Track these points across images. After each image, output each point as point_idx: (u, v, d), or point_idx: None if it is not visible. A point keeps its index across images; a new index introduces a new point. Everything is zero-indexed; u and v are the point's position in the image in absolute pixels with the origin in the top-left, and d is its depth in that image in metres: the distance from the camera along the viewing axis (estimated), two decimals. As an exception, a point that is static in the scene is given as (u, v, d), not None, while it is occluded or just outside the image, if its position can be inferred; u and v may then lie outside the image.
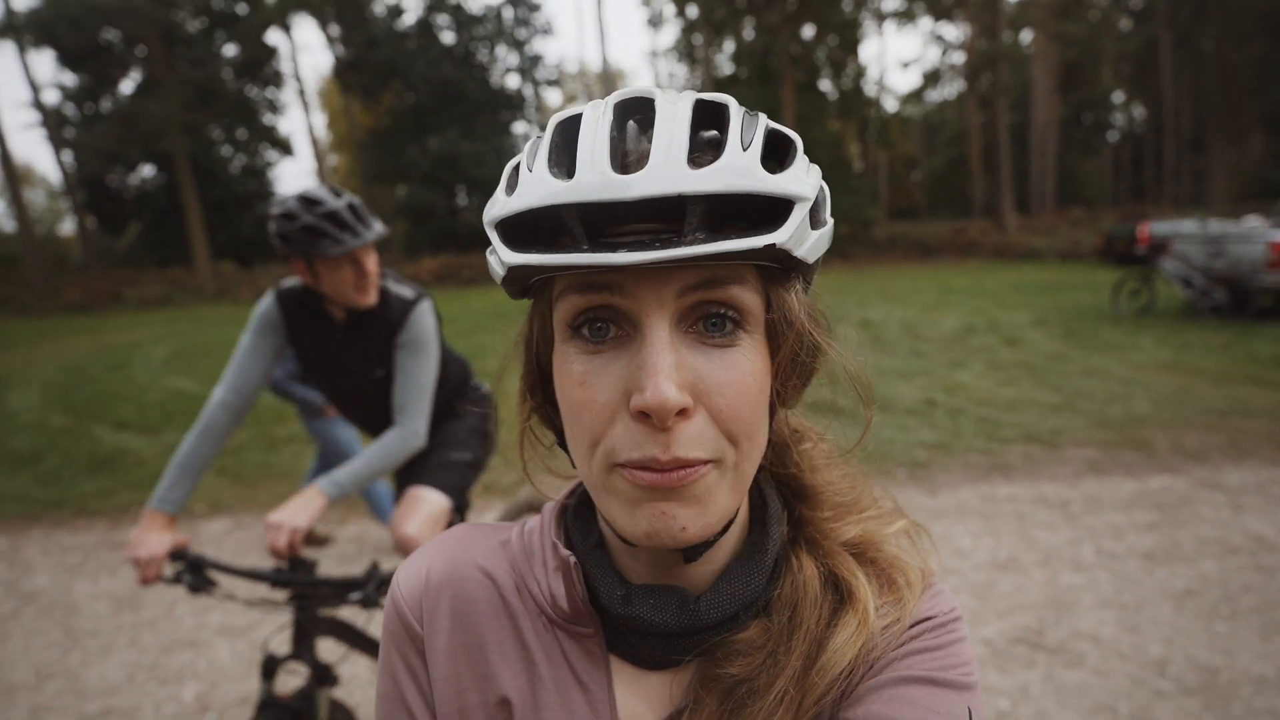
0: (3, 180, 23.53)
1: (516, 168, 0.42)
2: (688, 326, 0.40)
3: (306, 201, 1.52)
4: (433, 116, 26.14)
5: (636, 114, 0.40)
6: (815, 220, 0.42)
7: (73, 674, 2.63)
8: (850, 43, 24.75)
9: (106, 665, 2.68)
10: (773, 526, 0.48)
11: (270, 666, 1.44)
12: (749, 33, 23.19)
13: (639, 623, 0.45)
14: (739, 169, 0.37)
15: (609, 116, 0.39)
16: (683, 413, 0.38)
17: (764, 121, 0.41)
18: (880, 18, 26.48)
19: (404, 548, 1.58)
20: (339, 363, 1.71)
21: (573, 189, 0.37)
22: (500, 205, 0.40)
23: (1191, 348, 6.69)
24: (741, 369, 0.40)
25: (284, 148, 29.15)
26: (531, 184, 0.39)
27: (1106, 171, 34.93)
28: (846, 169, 25.62)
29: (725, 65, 25.35)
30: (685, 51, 26.41)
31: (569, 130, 0.40)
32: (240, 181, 27.85)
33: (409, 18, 27.19)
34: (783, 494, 0.52)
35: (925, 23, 26.01)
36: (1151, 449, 4.31)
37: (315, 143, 23.95)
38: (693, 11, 23.94)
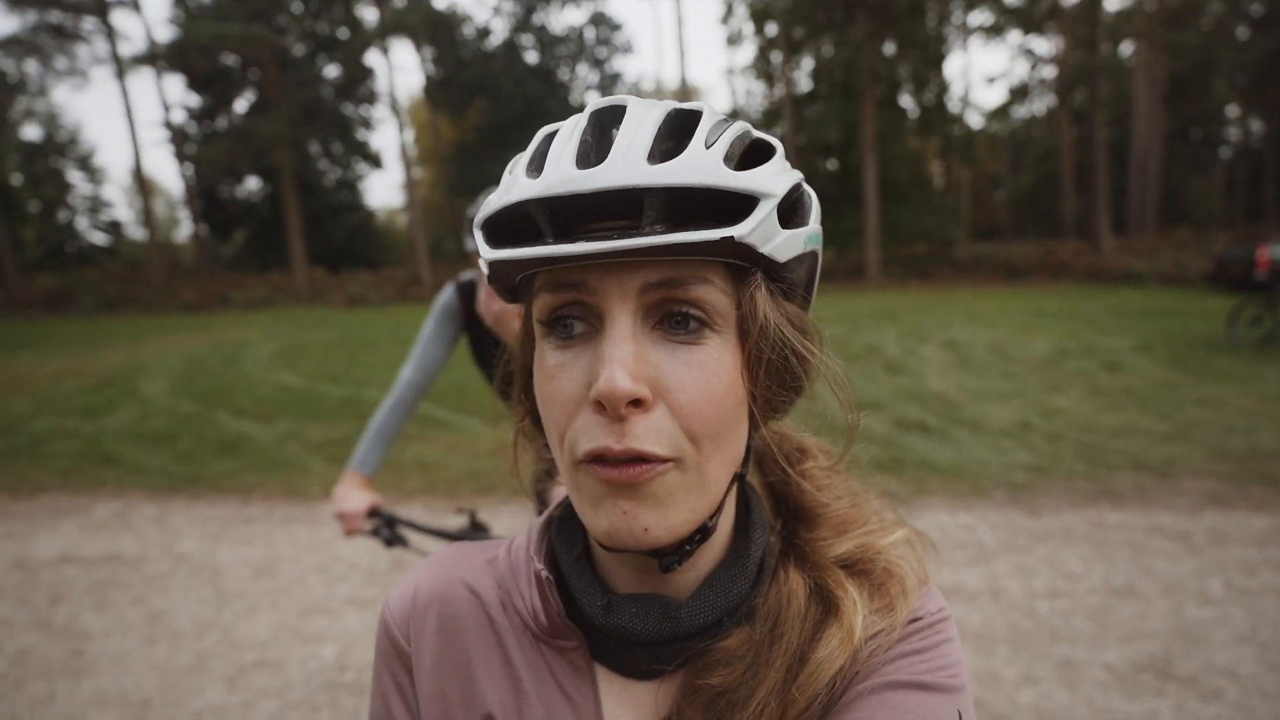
0: (134, 191, 26.03)
1: (509, 171, 0.44)
2: (654, 324, 0.40)
3: None
4: (515, 132, 27.24)
5: (611, 120, 0.41)
6: (788, 220, 0.42)
7: (226, 628, 2.93)
8: (934, 59, 24.14)
9: (254, 623, 2.97)
10: (756, 533, 0.48)
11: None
12: (828, 49, 23.02)
13: (621, 632, 0.45)
14: (699, 165, 0.38)
15: (584, 123, 0.41)
16: (640, 405, 0.38)
17: (740, 127, 0.42)
18: (966, 33, 25.71)
19: None
20: (506, 349, 1.88)
21: (537, 185, 0.39)
22: (485, 208, 0.42)
23: (1325, 380, 6.15)
24: (705, 367, 0.40)
25: (375, 161, 31.00)
26: (509, 185, 0.41)
27: (1217, 190, 32.38)
28: (928, 187, 24.89)
29: (804, 82, 25.22)
30: (763, 70, 26.43)
31: (548, 139, 0.42)
32: (334, 193, 29.80)
33: (496, 38, 28.52)
34: (777, 507, 0.51)
35: (1013, 36, 25.02)
36: (1283, 484, 4.01)
37: (405, 157, 25.37)
38: (771, 29, 24.00)
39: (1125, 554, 3.26)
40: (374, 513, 1.56)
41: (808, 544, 0.48)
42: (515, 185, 0.40)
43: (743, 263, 0.41)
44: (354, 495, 1.55)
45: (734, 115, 0.45)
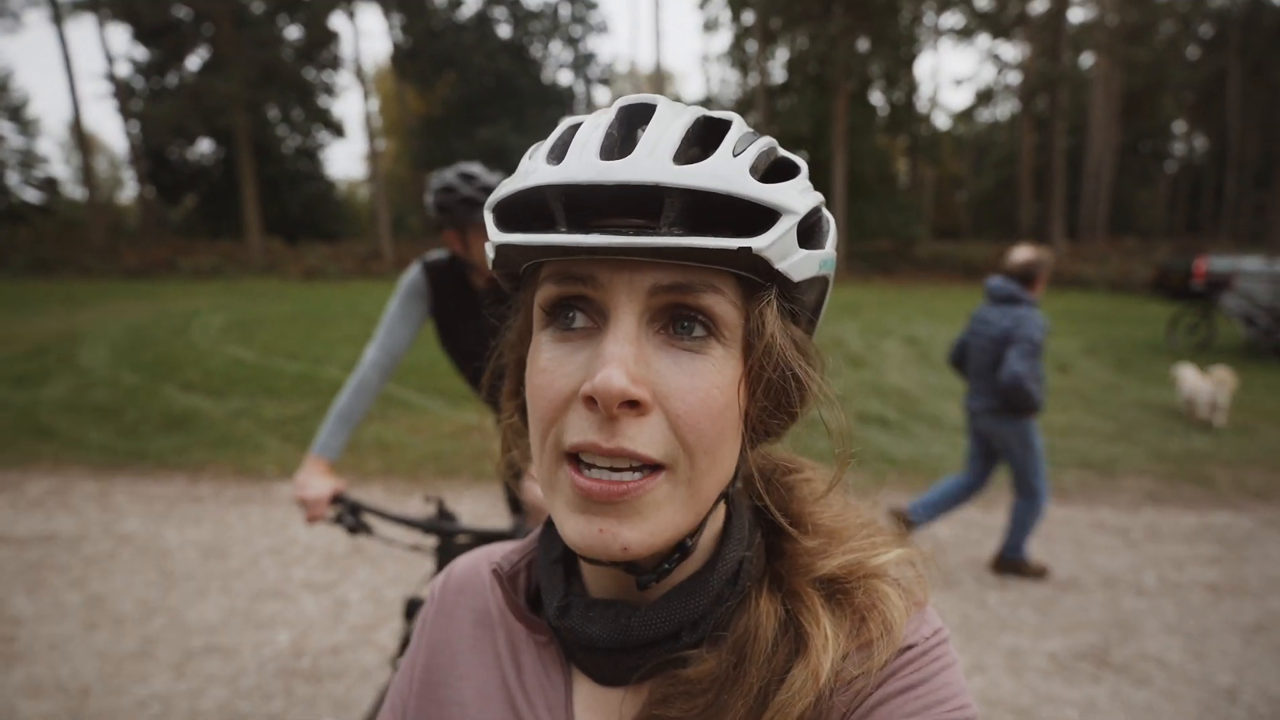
0: (72, 147, 24.50)
1: (529, 156, 0.43)
2: (659, 327, 0.39)
3: (465, 176, 1.66)
4: (484, 108, 26.57)
5: (639, 117, 0.41)
6: (807, 240, 0.41)
7: (174, 611, 2.82)
8: (905, 57, 24.49)
9: (203, 607, 2.86)
10: (730, 548, 0.45)
11: (412, 608, 1.56)
12: (803, 41, 23.11)
13: (574, 634, 0.45)
14: (723, 172, 0.37)
15: (610, 117, 0.41)
16: (635, 407, 0.37)
17: (767, 142, 0.41)
18: (937, 34, 26.14)
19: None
20: (476, 330, 1.83)
21: (558, 172, 0.38)
22: (499, 191, 0.42)
23: (1254, 387, 6.53)
24: (707, 378, 0.39)
25: (337, 130, 29.85)
26: (527, 171, 0.40)
27: (1162, 202, 33.96)
28: (893, 184, 25.35)
29: (778, 73, 25.28)
30: (738, 58, 26.38)
31: (573, 128, 0.42)
32: (292, 161, 28.60)
33: (468, 10, 27.67)
34: (760, 522, 0.49)
35: (983, 41, 25.57)
36: (1213, 484, 4.25)
37: (369, 127, 24.50)
38: (748, 18, 23.93)
39: (1069, 548, 3.42)
40: (337, 499, 1.51)
41: (791, 557, 0.46)
42: (535, 171, 0.39)
43: (756, 277, 0.40)
44: (316, 481, 1.50)
45: (706, 102, 0.43)
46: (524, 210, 0.41)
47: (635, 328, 0.38)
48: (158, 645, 2.58)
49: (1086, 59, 23.92)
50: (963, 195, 38.29)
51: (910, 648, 0.42)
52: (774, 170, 0.42)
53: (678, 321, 0.39)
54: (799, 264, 0.40)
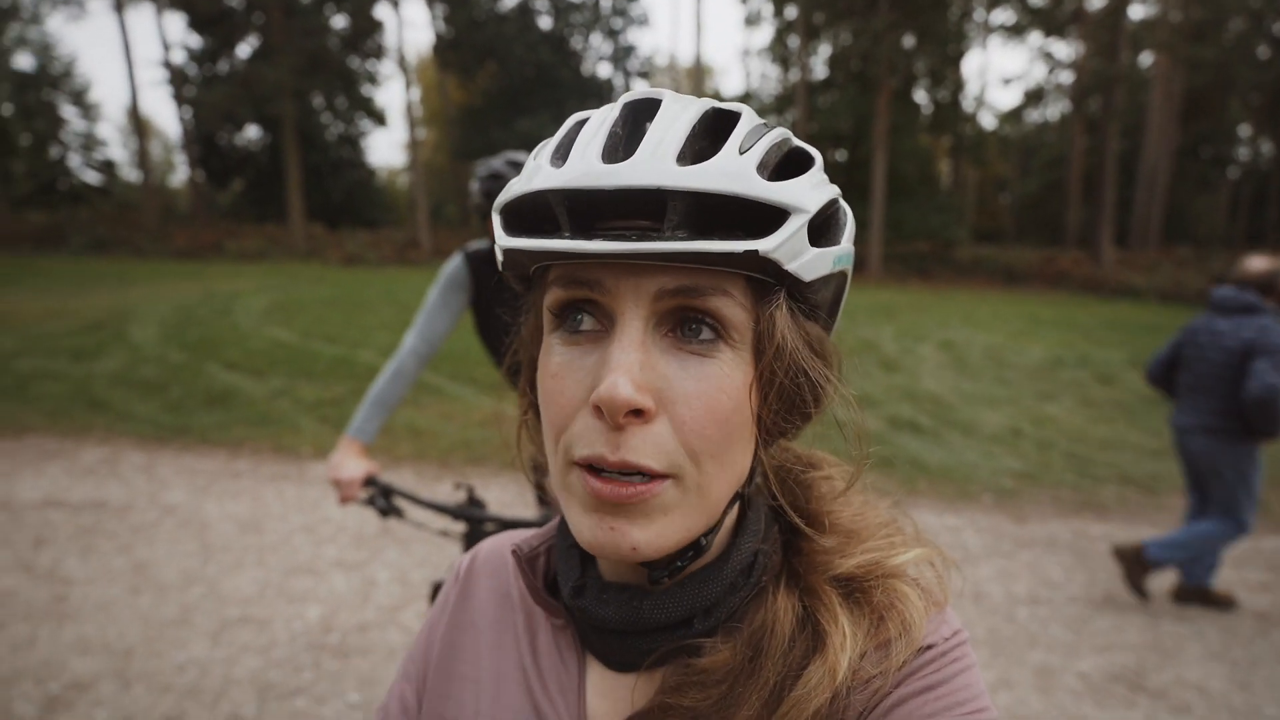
0: (130, 131, 25.42)
1: (534, 157, 0.43)
2: (666, 330, 0.39)
3: (513, 164, 1.69)
4: (524, 98, 26.75)
5: (644, 113, 0.40)
6: (819, 237, 0.40)
7: (212, 582, 2.93)
8: (953, 55, 23.83)
9: (239, 579, 2.96)
10: (745, 540, 0.45)
11: (438, 592, 1.59)
12: (847, 37, 22.66)
13: (586, 615, 0.45)
14: (729, 171, 0.36)
15: (615, 114, 0.40)
16: (641, 415, 0.37)
17: (779, 134, 0.40)
18: (987, 30, 25.36)
19: None
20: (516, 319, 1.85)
21: (560, 175, 0.38)
22: (504, 194, 0.42)
23: (1312, 407, 6.21)
24: (714, 382, 0.38)
25: (379, 119, 30.41)
26: (532, 172, 0.40)
27: (1221, 209, 32.45)
28: (934, 185, 24.74)
29: (819, 69, 24.86)
30: (779, 53, 26.01)
31: (577, 126, 0.41)
32: (335, 148, 29.25)
33: (510, 1, 27.87)
34: (778, 519, 0.49)
35: (1035, 38, 24.73)
36: (1265, 508, 4.05)
37: (410, 116, 24.90)
38: (791, 12, 23.56)
39: (1106, 566, 3.31)
40: (370, 481, 1.54)
41: (808, 555, 0.46)
42: (538, 173, 0.39)
43: (766, 278, 0.39)
44: (351, 463, 1.54)
45: (746, 98, 0.42)
46: (530, 213, 0.40)
47: (641, 332, 0.38)
48: (196, 613, 2.69)
49: (1145, 58, 22.96)
50: (1007, 198, 37.20)
51: (929, 648, 0.42)
52: (787, 164, 0.41)
53: (685, 324, 0.39)
54: (810, 263, 0.39)
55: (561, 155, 0.40)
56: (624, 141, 0.38)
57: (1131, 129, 25.47)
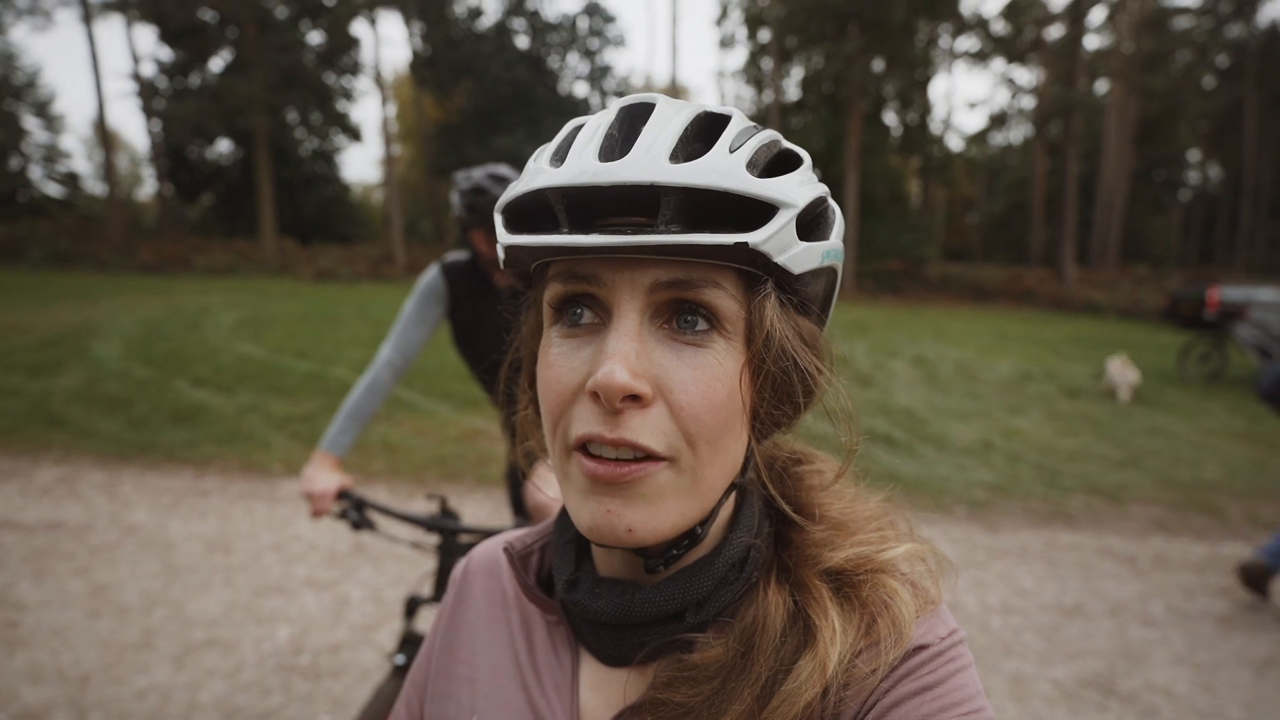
0: (95, 143, 24.84)
1: (533, 160, 0.44)
2: (661, 322, 0.40)
3: (495, 178, 1.69)
4: (501, 117, 26.85)
5: (639, 116, 0.41)
6: (808, 232, 0.42)
7: (176, 604, 2.83)
8: (920, 79, 24.61)
9: (205, 600, 2.87)
10: (738, 534, 0.46)
11: (412, 606, 1.56)
12: (818, 61, 23.27)
13: (580, 609, 0.46)
14: (720, 168, 0.38)
15: (611, 117, 0.42)
16: (638, 400, 0.38)
17: (768, 135, 0.42)
18: (952, 56, 26.27)
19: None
20: (494, 330, 1.85)
21: (559, 174, 0.39)
22: (507, 193, 0.43)
23: (1266, 418, 6.46)
24: (709, 370, 0.39)
25: (354, 134, 30.21)
26: (533, 173, 0.42)
27: (1175, 230, 33.83)
28: (904, 205, 25.38)
29: (792, 91, 25.45)
30: (753, 75, 26.59)
31: (575, 130, 0.43)
32: (309, 163, 28.94)
33: (488, 20, 28.06)
34: (773, 517, 0.49)
35: (998, 65, 25.68)
36: (1223, 515, 4.20)
37: (386, 133, 24.79)
38: (764, 36, 24.14)
39: (1076, 574, 3.38)
40: (343, 494, 1.52)
41: (799, 547, 0.46)
42: (539, 174, 0.41)
43: (756, 270, 0.40)
44: (323, 475, 1.51)
45: None
46: (531, 212, 0.42)
47: (637, 323, 0.39)
48: (159, 636, 2.59)
49: (1101, 85, 23.97)
50: (974, 218, 38.28)
51: (925, 648, 0.41)
52: (776, 163, 0.42)
53: (680, 316, 0.40)
54: (799, 256, 0.40)
55: (559, 156, 0.41)
56: (620, 142, 0.40)
57: (1090, 153, 26.54)
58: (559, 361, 0.41)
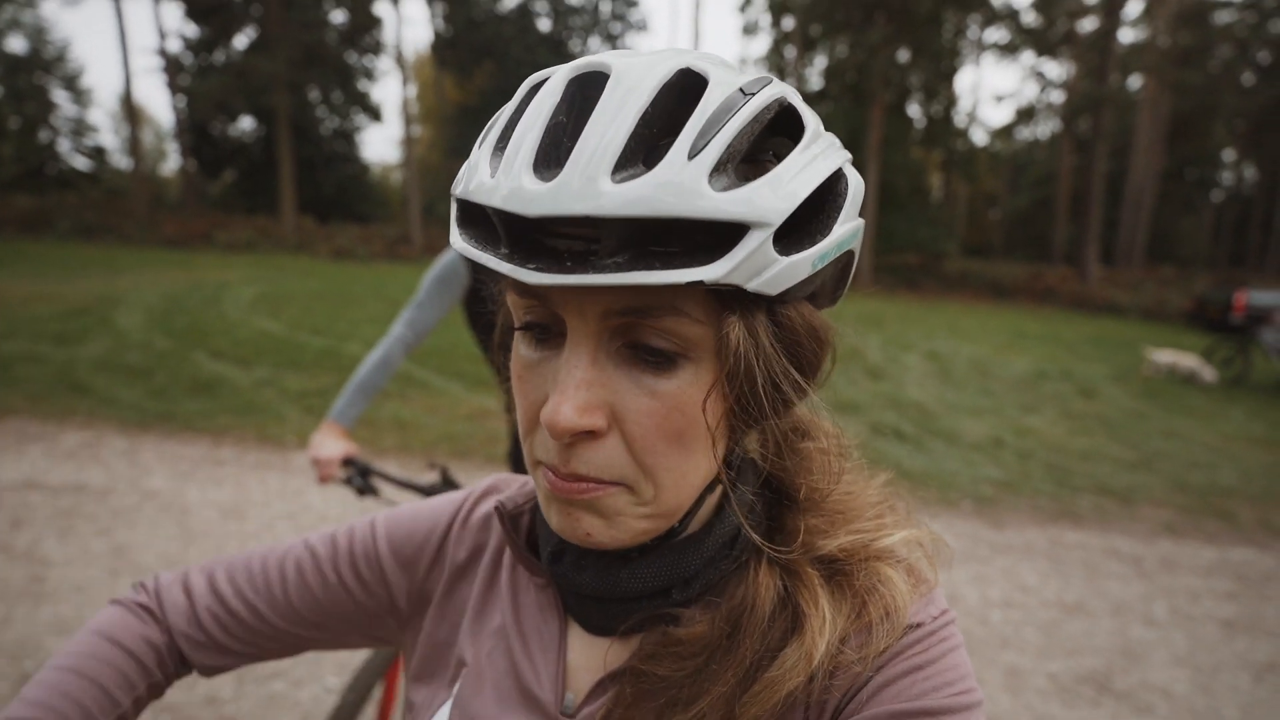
0: (122, 118, 25.16)
1: (481, 140, 0.39)
2: (621, 344, 0.37)
3: None
4: (521, 99, 26.81)
5: (592, 90, 0.34)
6: (791, 241, 0.35)
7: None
8: (946, 71, 24.16)
9: (220, 563, 2.95)
10: (729, 513, 0.45)
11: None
12: (843, 50, 22.92)
13: (564, 580, 0.46)
14: (672, 185, 0.32)
15: (557, 96, 0.35)
16: (591, 433, 0.37)
17: (758, 104, 0.35)
18: (980, 48, 25.74)
19: None
20: None
21: (493, 191, 0.34)
22: (459, 182, 0.38)
23: (1285, 425, 6.35)
24: (667, 400, 0.37)
25: (374, 114, 30.32)
26: (475, 168, 0.37)
27: (1205, 232, 33.05)
28: (925, 198, 25.03)
29: (815, 80, 25.10)
30: (776, 63, 26.24)
31: (524, 104, 0.37)
32: (329, 142, 29.12)
33: (510, 2, 27.94)
34: (767, 498, 0.47)
35: (1027, 57, 25.13)
36: (1235, 520, 4.16)
37: (406, 113, 24.85)
38: (788, 24, 23.80)
39: (1080, 573, 3.37)
40: (349, 461, 1.56)
41: (791, 533, 0.44)
42: (479, 171, 0.36)
43: (726, 289, 0.34)
44: (330, 443, 1.55)
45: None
46: (478, 215, 0.38)
47: (592, 349, 0.36)
48: (175, 597, 2.67)
49: (1134, 81, 23.39)
50: (996, 213, 37.66)
51: (917, 626, 0.41)
52: (776, 126, 0.36)
53: (638, 340, 0.36)
54: (779, 276, 0.34)
55: (500, 148, 0.36)
56: (569, 130, 0.34)
57: (1119, 150, 25.93)
58: (525, 374, 0.40)
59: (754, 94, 0.35)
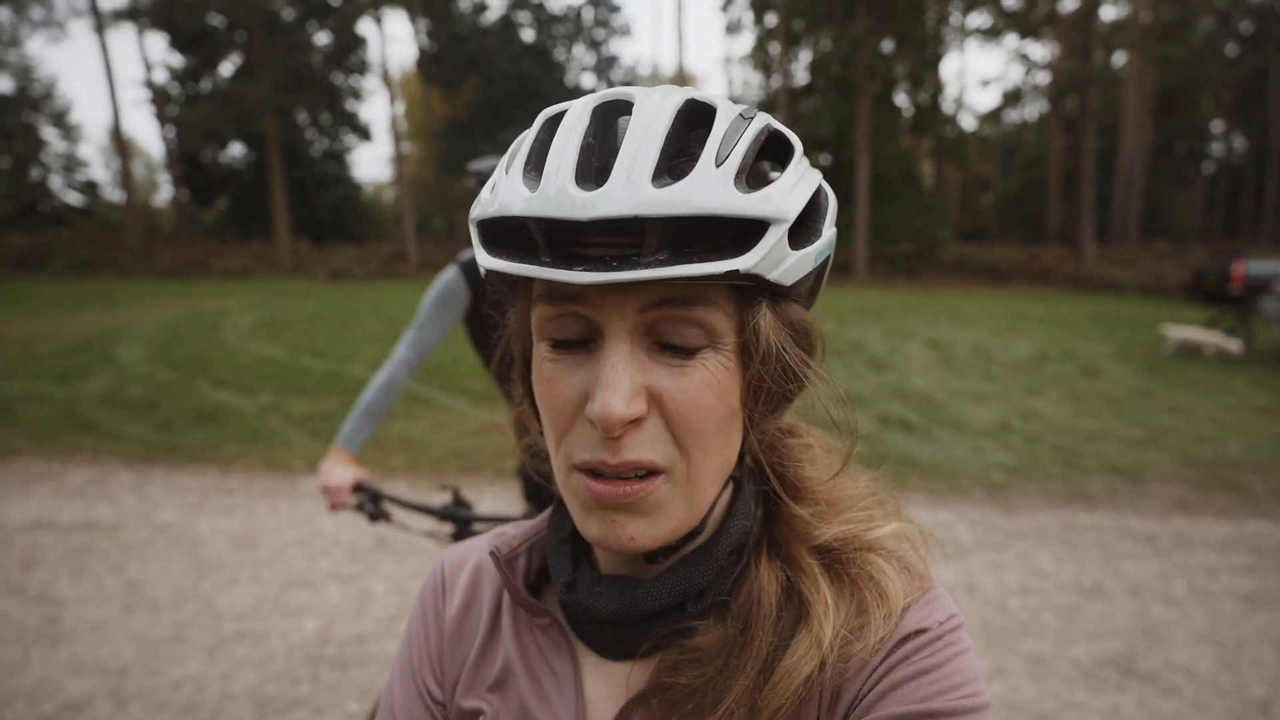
0: (112, 151, 25.22)
1: (505, 167, 0.42)
2: (653, 339, 0.40)
3: None
4: (509, 111, 26.86)
5: (616, 116, 0.39)
6: (801, 238, 0.41)
7: (206, 598, 2.91)
8: (931, 58, 24.20)
9: (234, 594, 2.95)
10: (735, 521, 0.47)
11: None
12: (826, 43, 22.97)
13: (582, 609, 0.46)
14: (706, 189, 0.36)
15: (585, 120, 0.39)
16: (635, 421, 0.39)
17: (757, 128, 0.40)
18: (964, 34, 25.79)
19: None
20: None
21: (535, 202, 0.37)
22: (480, 207, 0.41)
23: (1291, 394, 6.34)
24: (700, 380, 0.40)
25: (364, 133, 30.39)
26: (506, 189, 0.39)
27: (1198, 204, 33.02)
28: (917, 186, 25.04)
29: (801, 75, 25.15)
30: (761, 60, 26.30)
31: (548, 132, 0.41)
32: (320, 164, 29.19)
33: (492, 14, 28.03)
34: (763, 494, 0.49)
35: (1010, 40, 25.16)
36: (1247, 493, 4.14)
37: (395, 131, 24.91)
38: (771, 20, 23.86)
39: (1095, 554, 3.36)
40: (359, 488, 1.56)
41: (788, 523, 0.46)
42: (512, 189, 0.39)
43: (749, 283, 0.39)
44: (340, 470, 1.55)
45: (734, 104, 0.42)
46: (510, 231, 0.40)
47: (630, 344, 0.39)
48: (191, 630, 2.67)
49: (1118, 58, 23.41)
50: (989, 197, 37.67)
51: (924, 631, 0.42)
52: (768, 151, 0.42)
53: (672, 331, 0.40)
54: (792, 268, 0.40)
55: (535, 167, 0.39)
56: (598, 151, 0.38)
57: (1107, 127, 25.94)
58: (556, 377, 0.41)
59: (751, 119, 0.41)
